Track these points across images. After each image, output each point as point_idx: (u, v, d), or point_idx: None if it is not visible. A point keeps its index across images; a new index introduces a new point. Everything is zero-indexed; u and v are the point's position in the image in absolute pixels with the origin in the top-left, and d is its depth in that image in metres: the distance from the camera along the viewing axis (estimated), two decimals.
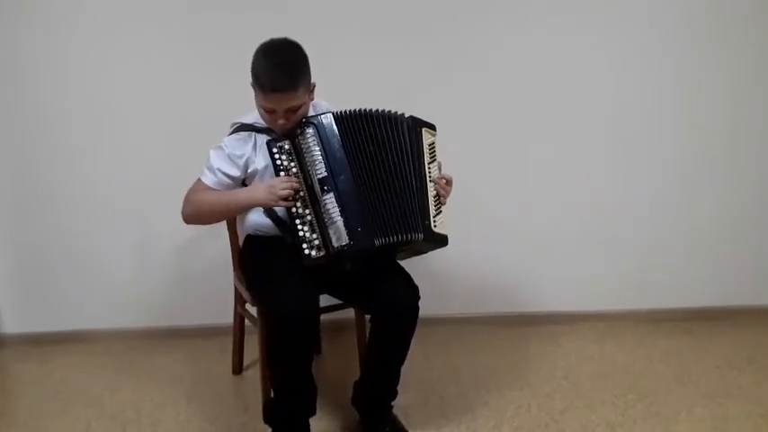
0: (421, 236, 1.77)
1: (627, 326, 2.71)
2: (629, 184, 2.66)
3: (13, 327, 2.62)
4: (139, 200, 2.51)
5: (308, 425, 1.87)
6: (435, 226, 1.82)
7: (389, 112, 1.82)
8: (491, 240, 2.66)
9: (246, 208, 1.88)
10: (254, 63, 1.71)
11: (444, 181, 1.86)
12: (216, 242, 2.43)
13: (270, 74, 1.68)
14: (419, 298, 1.81)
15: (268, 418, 1.88)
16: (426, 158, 1.85)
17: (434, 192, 1.84)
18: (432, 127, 1.90)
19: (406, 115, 1.85)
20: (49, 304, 2.60)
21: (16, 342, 2.60)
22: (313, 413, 1.87)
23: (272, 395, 1.87)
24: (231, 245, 2.20)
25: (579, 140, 2.61)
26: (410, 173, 1.80)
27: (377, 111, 1.80)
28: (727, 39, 2.55)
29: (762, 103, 2.62)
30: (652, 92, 2.59)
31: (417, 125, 1.86)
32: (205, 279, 2.57)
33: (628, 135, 2.62)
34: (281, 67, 1.69)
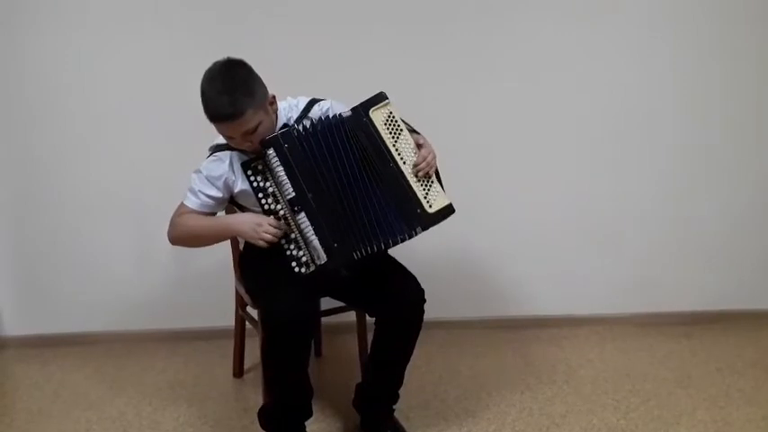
0: (420, 229, 1.73)
1: (628, 329, 2.71)
2: (631, 187, 2.66)
3: (13, 329, 2.62)
4: (141, 202, 2.50)
5: (304, 427, 1.87)
6: (431, 206, 1.73)
7: (334, 115, 1.75)
8: (492, 243, 2.65)
9: (231, 236, 1.84)
10: (201, 90, 1.65)
11: (423, 158, 1.74)
12: (217, 245, 2.43)
13: (212, 104, 1.62)
14: (425, 300, 1.81)
15: (264, 422, 1.87)
16: (388, 141, 1.73)
17: (414, 172, 1.74)
18: (379, 100, 1.74)
19: (350, 107, 1.75)
20: (49, 306, 2.60)
21: (17, 344, 2.59)
22: (309, 416, 1.87)
23: (268, 399, 1.87)
24: (232, 247, 2.20)
25: (580, 144, 2.61)
26: (377, 171, 1.72)
27: (326, 117, 1.75)
28: (728, 38, 2.54)
29: (763, 104, 2.62)
30: (652, 93, 2.58)
31: (364, 111, 1.73)
32: (206, 281, 2.57)
33: (629, 137, 2.61)
34: (222, 96, 1.61)
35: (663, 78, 2.57)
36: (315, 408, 1.88)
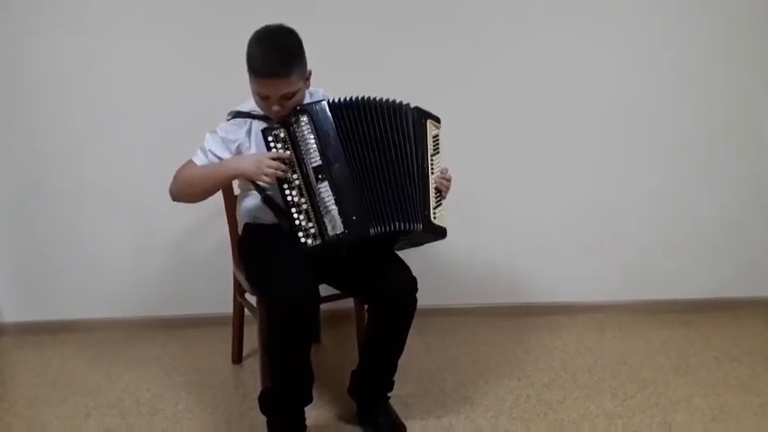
0: (420, 225, 1.77)
1: (626, 317, 2.72)
2: (629, 175, 2.66)
3: (11, 315, 2.61)
4: (138, 189, 2.49)
5: (303, 413, 1.87)
6: (435, 218, 1.82)
7: (392, 101, 1.81)
8: (491, 232, 2.66)
9: (232, 178, 1.84)
10: (248, 49, 1.69)
11: (445, 178, 1.87)
12: (215, 231, 2.43)
13: (262, 59, 1.66)
14: (417, 290, 1.81)
15: (264, 407, 1.88)
16: (430, 150, 1.85)
17: (435, 185, 1.85)
18: (437, 119, 1.89)
19: (411, 106, 1.84)
20: (47, 293, 2.60)
21: (15, 331, 2.59)
22: (309, 401, 1.87)
23: (268, 384, 1.87)
24: (230, 233, 2.19)
25: (579, 133, 2.61)
26: (412, 163, 1.80)
27: (378, 99, 1.80)
28: (726, 37, 2.55)
29: (761, 100, 2.62)
30: (652, 88, 2.58)
31: (423, 116, 1.86)
32: (204, 268, 2.57)
33: (628, 127, 2.61)
34: (273, 53, 1.67)
35: (663, 78, 2.57)
36: (313, 394, 1.88)
